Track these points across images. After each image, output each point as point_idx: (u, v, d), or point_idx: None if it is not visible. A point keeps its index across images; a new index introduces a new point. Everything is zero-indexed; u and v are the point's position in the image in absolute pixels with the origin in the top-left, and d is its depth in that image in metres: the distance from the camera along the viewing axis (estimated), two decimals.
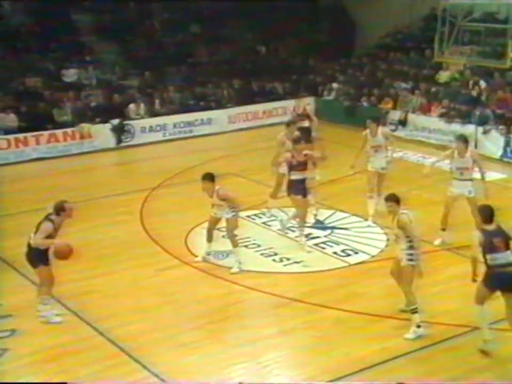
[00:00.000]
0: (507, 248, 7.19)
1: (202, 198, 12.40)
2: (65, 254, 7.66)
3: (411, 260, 7.67)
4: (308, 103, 13.81)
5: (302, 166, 10.20)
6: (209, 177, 9.36)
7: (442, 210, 10.31)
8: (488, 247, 7.15)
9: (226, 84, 19.36)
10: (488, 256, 7.16)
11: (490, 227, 7.31)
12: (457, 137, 10.51)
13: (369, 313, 8.19)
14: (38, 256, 7.90)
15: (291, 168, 10.17)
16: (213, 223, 9.72)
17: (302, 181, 10.21)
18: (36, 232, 7.81)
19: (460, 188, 10.01)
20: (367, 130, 11.26)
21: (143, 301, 8.54)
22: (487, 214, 7.40)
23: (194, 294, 8.83)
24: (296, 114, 13.52)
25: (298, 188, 10.13)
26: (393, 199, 7.84)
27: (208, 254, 9.85)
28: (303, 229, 10.30)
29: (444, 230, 10.23)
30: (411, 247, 7.67)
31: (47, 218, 7.86)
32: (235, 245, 9.54)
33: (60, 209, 7.85)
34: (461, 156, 10.03)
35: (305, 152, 10.26)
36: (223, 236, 10.59)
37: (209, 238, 9.79)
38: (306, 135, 12.70)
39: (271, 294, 8.75)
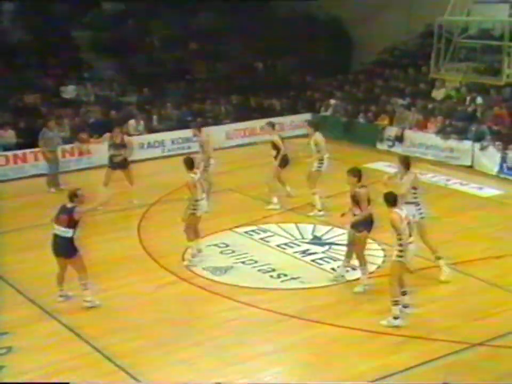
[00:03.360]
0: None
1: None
2: None
3: (400, 256, 8.10)
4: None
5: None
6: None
7: (437, 225, 10.35)
8: None
9: (224, 100, 19.47)
10: None
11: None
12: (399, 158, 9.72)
13: (367, 329, 8.20)
14: (71, 246, 8.53)
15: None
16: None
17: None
18: (60, 224, 8.50)
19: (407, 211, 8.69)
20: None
21: (141, 318, 8.54)
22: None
23: (192, 311, 8.83)
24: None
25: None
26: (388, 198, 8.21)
27: (199, 251, 10.24)
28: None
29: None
30: (401, 245, 8.07)
31: (63, 207, 8.62)
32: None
33: (73, 195, 8.62)
34: (400, 178, 9.37)
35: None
36: (221, 252, 10.66)
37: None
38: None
39: (268, 310, 8.76)
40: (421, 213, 9.43)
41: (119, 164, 13.06)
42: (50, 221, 8.87)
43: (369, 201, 9.20)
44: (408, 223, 8.24)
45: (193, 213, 10.05)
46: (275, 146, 12.77)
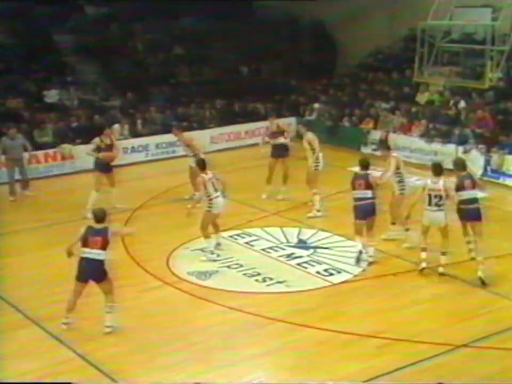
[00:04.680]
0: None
1: (184, 219, 12.49)
2: None
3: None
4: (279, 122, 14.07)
5: None
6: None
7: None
8: None
9: (209, 104, 19.48)
10: None
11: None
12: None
13: (352, 332, 8.24)
14: (104, 269, 8.24)
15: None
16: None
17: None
18: (92, 246, 8.06)
19: None
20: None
21: (125, 323, 8.49)
22: None
23: (177, 315, 8.81)
24: (270, 132, 13.69)
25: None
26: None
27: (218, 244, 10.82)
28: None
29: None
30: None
31: (92, 229, 8.19)
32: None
33: (104, 215, 8.28)
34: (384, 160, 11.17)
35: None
36: (204, 256, 10.66)
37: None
38: (282, 151, 13.06)
39: (254, 314, 8.77)
40: (401, 189, 10.83)
41: (104, 167, 12.88)
42: (69, 246, 8.29)
43: None
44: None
45: (209, 210, 10.48)
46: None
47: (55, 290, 9.09)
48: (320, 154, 12.48)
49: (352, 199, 10.25)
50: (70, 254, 8.32)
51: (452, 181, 9.81)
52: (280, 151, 13.42)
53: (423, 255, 9.78)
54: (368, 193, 10.10)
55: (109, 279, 8.31)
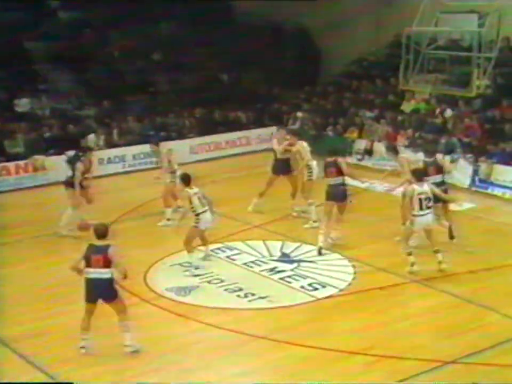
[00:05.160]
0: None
1: (162, 233, 12.42)
2: None
3: None
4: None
5: None
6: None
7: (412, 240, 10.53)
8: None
9: (188, 113, 19.46)
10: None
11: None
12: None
13: (338, 349, 8.21)
14: (113, 287, 8.14)
15: None
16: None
17: None
18: (96, 265, 7.94)
19: None
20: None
21: (100, 342, 8.39)
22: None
23: (154, 333, 8.72)
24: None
25: None
26: None
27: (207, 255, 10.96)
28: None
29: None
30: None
31: (94, 246, 8.07)
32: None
33: (106, 232, 8.20)
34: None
35: None
36: (185, 271, 10.60)
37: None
38: (286, 167, 13.04)
39: (235, 331, 8.72)
40: None
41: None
42: (74, 265, 8.18)
43: None
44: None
45: (195, 226, 10.49)
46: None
47: (27, 308, 8.96)
48: (314, 163, 12.53)
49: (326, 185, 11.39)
50: (79, 272, 8.17)
51: (430, 183, 10.47)
52: (284, 167, 13.10)
53: (412, 258, 10.19)
54: (339, 179, 11.26)
55: (119, 298, 8.18)
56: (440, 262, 10.28)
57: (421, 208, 10.01)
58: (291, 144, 12.95)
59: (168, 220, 12.69)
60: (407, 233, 10.35)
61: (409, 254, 10.28)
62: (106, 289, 8.05)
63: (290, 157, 13.16)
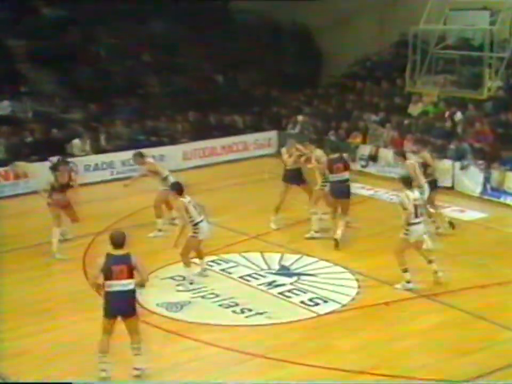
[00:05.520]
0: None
1: (153, 244, 12.45)
2: None
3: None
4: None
5: None
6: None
7: (415, 252, 10.56)
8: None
9: (181, 117, 19.55)
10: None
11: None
12: None
13: (341, 368, 8.24)
14: (135, 301, 8.12)
15: None
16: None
17: None
18: (118, 277, 7.89)
19: None
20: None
21: (86, 362, 8.39)
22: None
23: (145, 352, 8.73)
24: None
25: None
26: None
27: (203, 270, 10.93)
28: None
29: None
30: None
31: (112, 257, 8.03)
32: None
33: (124, 240, 8.12)
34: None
35: None
36: (177, 286, 10.64)
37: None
38: (299, 176, 13.06)
39: (230, 349, 8.75)
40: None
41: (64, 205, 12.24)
42: (93, 281, 8.17)
43: None
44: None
45: (194, 236, 10.52)
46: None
47: (8, 325, 8.97)
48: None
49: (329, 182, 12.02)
50: (99, 288, 8.11)
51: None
52: (295, 177, 13.07)
53: (408, 276, 10.23)
54: (346, 175, 11.94)
55: (137, 315, 8.14)
56: (435, 272, 10.37)
57: (416, 216, 10.08)
58: (301, 156, 12.98)
59: (160, 230, 12.75)
60: (403, 245, 10.29)
61: (405, 271, 10.26)
62: (128, 303, 7.96)
63: (301, 166, 13.14)
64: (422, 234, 10.41)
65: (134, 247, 12.06)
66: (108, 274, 7.89)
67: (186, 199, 10.57)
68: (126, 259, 7.95)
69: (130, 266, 7.93)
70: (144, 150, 14.43)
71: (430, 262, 10.40)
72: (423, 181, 11.68)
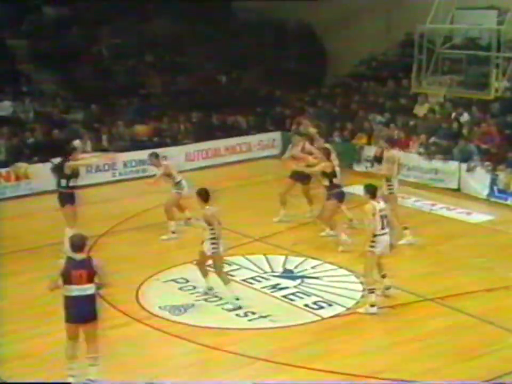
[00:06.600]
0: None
1: (156, 246, 12.47)
2: None
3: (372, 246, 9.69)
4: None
5: None
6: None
7: (422, 255, 10.55)
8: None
9: (183, 117, 19.58)
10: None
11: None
12: None
13: (346, 372, 8.24)
14: (95, 306, 7.95)
15: None
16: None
17: None
18: (79, 282, 7.77)
19: None
20: None
21: (87, 365, 8.42)
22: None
23: (147, 355, 8.77)
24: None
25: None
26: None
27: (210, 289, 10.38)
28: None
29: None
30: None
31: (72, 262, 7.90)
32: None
33: (84, 244, 8.01)
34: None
35: None
36: (180, 288, 10.65)
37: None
38: (303, 175, 13.09)
39: (233, 353, 8.75)
40: None
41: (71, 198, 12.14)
42: (51, 283, 8.03)
43: None
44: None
45: (216, 252, 10.00)
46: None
47: (10, 327, 8.99)
48: (337, 169, 12.55)
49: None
50: (53, 289, 8.06)
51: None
52: (301, 175, 13.19)
53: (373, 297, 9.75)
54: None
55: (96, 322, 7.97)
56: (387, 288, 10.09)
57: (382, 227, 9.72)
58: (306, 160, 12.97)
59: (173, 233, 12.74)
60: (372, 261, 9.80)
61: (372, 291, 9.75)
62: (88, 308, 7.84)
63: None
64: (387, 245, 9.89)
65: (136, 248, 12.29)
66: (67, 279, 7.77)
67: (211, 207, 10.02)
68: (85, 264, 7.83)
69: (89, 271, 7.80)
70: (146, 151, 14.55)
71: (383, 276, 10.10)
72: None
